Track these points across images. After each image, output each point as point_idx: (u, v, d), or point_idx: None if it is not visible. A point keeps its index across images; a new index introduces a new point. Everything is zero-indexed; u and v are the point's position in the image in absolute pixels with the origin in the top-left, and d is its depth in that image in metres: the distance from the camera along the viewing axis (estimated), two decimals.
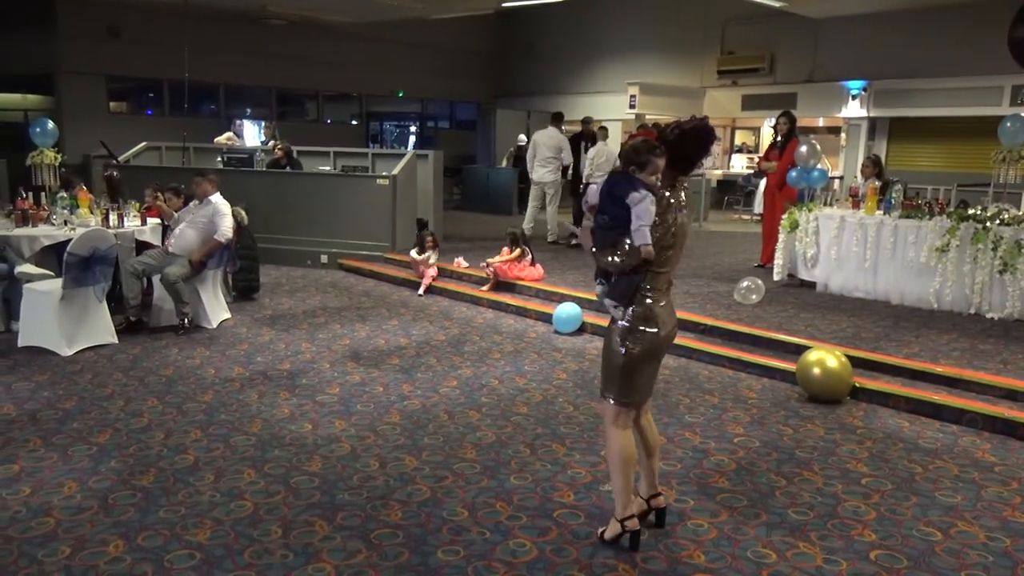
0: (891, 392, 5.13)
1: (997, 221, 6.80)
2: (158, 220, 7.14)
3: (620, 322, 3.18)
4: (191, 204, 6.87)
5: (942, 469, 4.14)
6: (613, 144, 11.99)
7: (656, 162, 3.03)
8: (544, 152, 10.83)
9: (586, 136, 11.58)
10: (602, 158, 10.52)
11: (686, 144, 3.11)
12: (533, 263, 8.34)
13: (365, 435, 4.43)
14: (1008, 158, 7.46)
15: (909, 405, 5.01)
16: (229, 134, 13.34)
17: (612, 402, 3.22)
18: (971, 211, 7.16)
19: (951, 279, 6.97)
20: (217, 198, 6.76)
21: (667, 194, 3.11)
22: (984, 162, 8.06)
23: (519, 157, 15.08)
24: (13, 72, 14.72)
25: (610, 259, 3.09)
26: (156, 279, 6.54)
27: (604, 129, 11.35)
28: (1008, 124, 7.54)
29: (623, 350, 3.16)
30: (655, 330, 3.15)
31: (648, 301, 3.14)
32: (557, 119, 11.23)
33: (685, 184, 3.24)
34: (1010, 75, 12.89)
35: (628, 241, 3.03)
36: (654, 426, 3.46)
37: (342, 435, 4.42)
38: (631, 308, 3.14)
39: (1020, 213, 7.13)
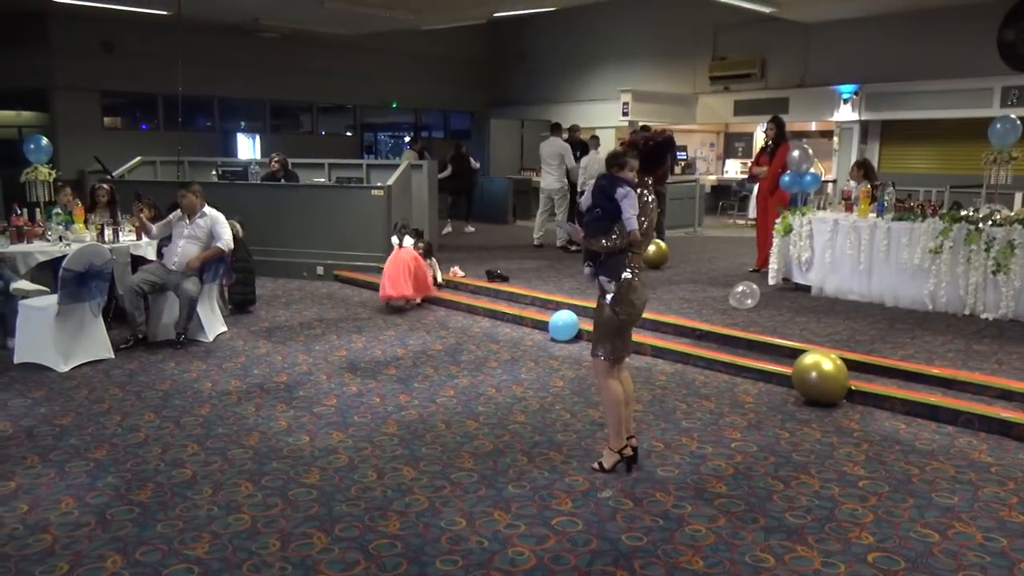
0: (887, 394, 5.14)
1: (989, 222, 6.84)
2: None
3: (609, 294, 3.92)
4: (172, 216, 6.81)
5: (939, 470, 4.15)
6: (604, 152, 12.15)
7: (631, 162, 3.88)
8: (547, 160, 11.20)
9: (574, 144, 11.69)
10: (595, 166, 10.74)
11: (654, 152, 3.99)
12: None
13: (363, 446, 4.43)
14: (998, 159, 7.51)
15: (905, 407, 5.02)
16: (412, 152, 13.18)
17: (604, 359, 3.98)
18: (963, 212, 7.19)
19: (945, 280, 7.00)
20: (210, 210, 6.77)
21: (643, 191, 3.90)
22: (976, 163, 8.11)
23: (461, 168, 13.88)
24: (7, 88, 14.75)
25: (605, 243, 3.85)
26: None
27: (596, 138, 11.58)
28: (998, 125, 7.60)
29: (616, 316, 3.92)
30: (638, 298, 3.95)
31: (629, 276, 3.91)
32: (557, 129, 11.64)
33: (650, 183, 4.00)
34: (999, 76, 12.97)
35: (619, 227, 3.79)
36: (630, 380, 4.20)
37: (339, 446, 4.42)
38: (619, 282, 3.88)
39: (1012, 214, 7.17)
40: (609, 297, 3.92)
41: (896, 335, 6.34)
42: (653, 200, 3.96)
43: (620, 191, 3.78)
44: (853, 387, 5.22)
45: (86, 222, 7.22)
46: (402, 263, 7.98)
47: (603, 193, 3.83)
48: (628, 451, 4.06)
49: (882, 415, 5.00)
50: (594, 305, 4.12)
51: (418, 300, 8.14)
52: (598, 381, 4.14)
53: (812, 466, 4.20)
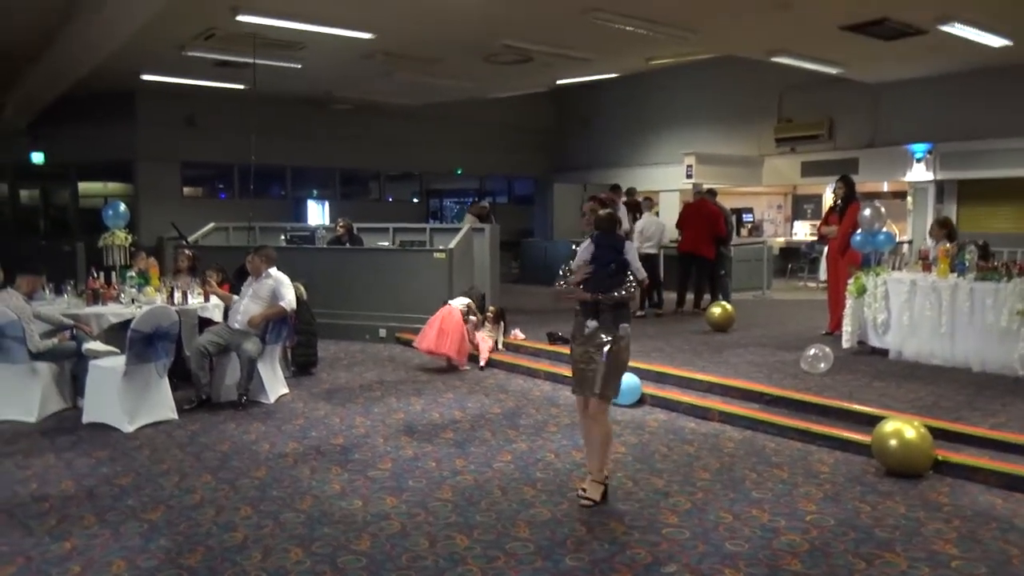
0: (979, 466, 4.75)
1: None
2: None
3: (623, 340, 4.35)
4: (249, 280, 7.00)
5: None
6: (667, 213, 12.13)
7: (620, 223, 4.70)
8: None
9: (631, 207, 11.57)
10: (652, 228, 10.78)
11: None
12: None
13: (416, 512, 4.29)
14: None
15: (1000, 480, 4.62)
16: (472, 216, 13.20)
17: (606, 400, 4.38)
18: None
19: None
20: (275, 272, 6.89)
21: None
22: None
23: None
24: (96, 161, 15.64)
25: (622, 293, 4.33)
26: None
27: (649, 199, 11.53)
28: None
29: (627, 361, 4.45)
30: (627, 345, 4.44)
31: (627, 326, 4.41)
32: (617, 191, 11.66)
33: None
34: None
35: (631, 277, 4.36)
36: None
37: (392, 512, 4.29)
38: (618, 333, 4.32)
39: None
40: (621, 344, 4.35)
41: (985, 402, 5.92)
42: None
43: (627, 245, 4.48)
44: (940, 457, 4.84)
45: (162, 283, 7.44)
46: (434, 318, 8.13)
47: (613, 249, 4.39)
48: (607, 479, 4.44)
49: (974, 488, 4.61)
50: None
51: (450, 359, 8.06)
52: (601, 420, 4.42)
53: (897, 543, 3.86)
